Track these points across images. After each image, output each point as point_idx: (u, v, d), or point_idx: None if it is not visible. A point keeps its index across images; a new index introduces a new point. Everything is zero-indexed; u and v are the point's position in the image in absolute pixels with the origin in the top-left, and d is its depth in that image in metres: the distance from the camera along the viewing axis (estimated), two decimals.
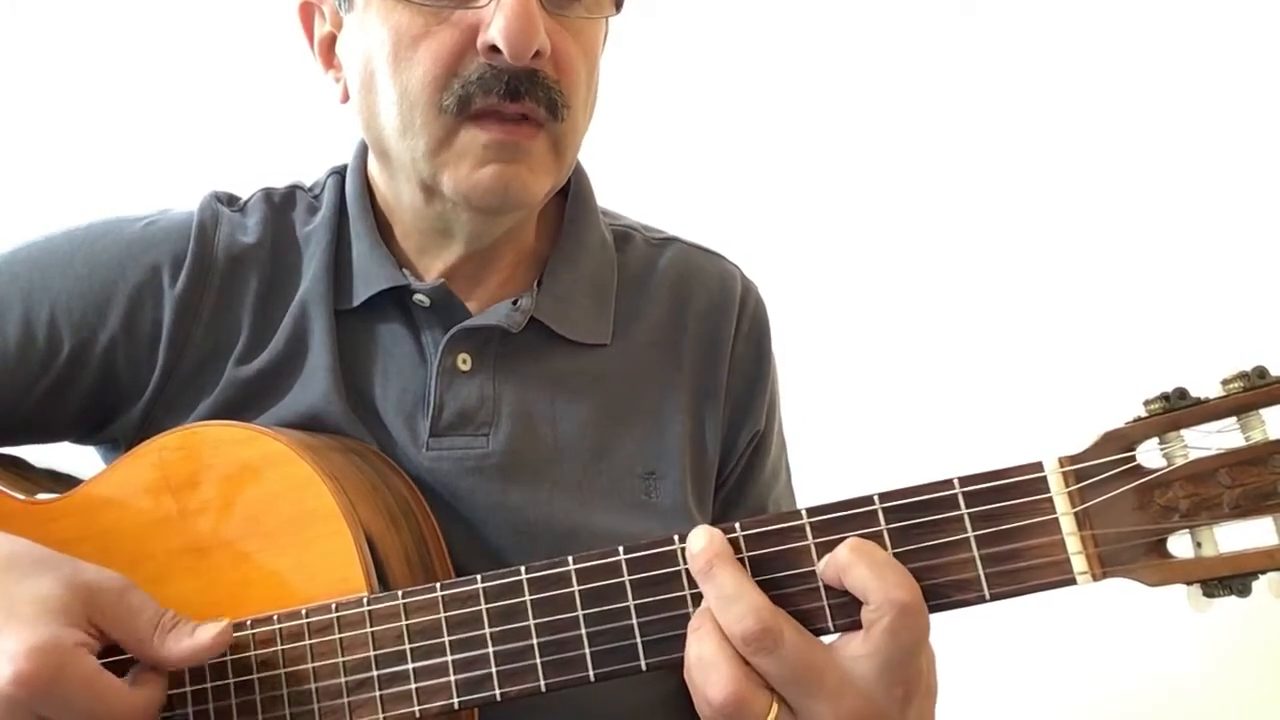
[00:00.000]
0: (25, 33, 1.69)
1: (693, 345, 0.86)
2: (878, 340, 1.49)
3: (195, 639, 0.62)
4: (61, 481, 0.80)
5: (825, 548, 0.56)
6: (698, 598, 0.57)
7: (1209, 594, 0.52)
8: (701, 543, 0.57)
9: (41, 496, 0.75)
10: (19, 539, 0.64)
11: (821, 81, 1.54)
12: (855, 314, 1.50)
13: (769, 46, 1.57)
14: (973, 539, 0.54)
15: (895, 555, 0.55)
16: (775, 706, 0.54)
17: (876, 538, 0.55)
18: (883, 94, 1.52)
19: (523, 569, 0.60)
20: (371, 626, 0.62)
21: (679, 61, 1.57)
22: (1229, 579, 0.51)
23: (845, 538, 0.55)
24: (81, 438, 0.83)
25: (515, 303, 0.81)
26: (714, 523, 0.83)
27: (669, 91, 1.57)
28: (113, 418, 0.80)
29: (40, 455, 0.83)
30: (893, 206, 1.51)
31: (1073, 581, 0.53)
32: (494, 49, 0.68)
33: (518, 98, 0.70)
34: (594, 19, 0.76)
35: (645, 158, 1.51)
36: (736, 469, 0.88)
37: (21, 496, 0.74)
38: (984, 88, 1.48)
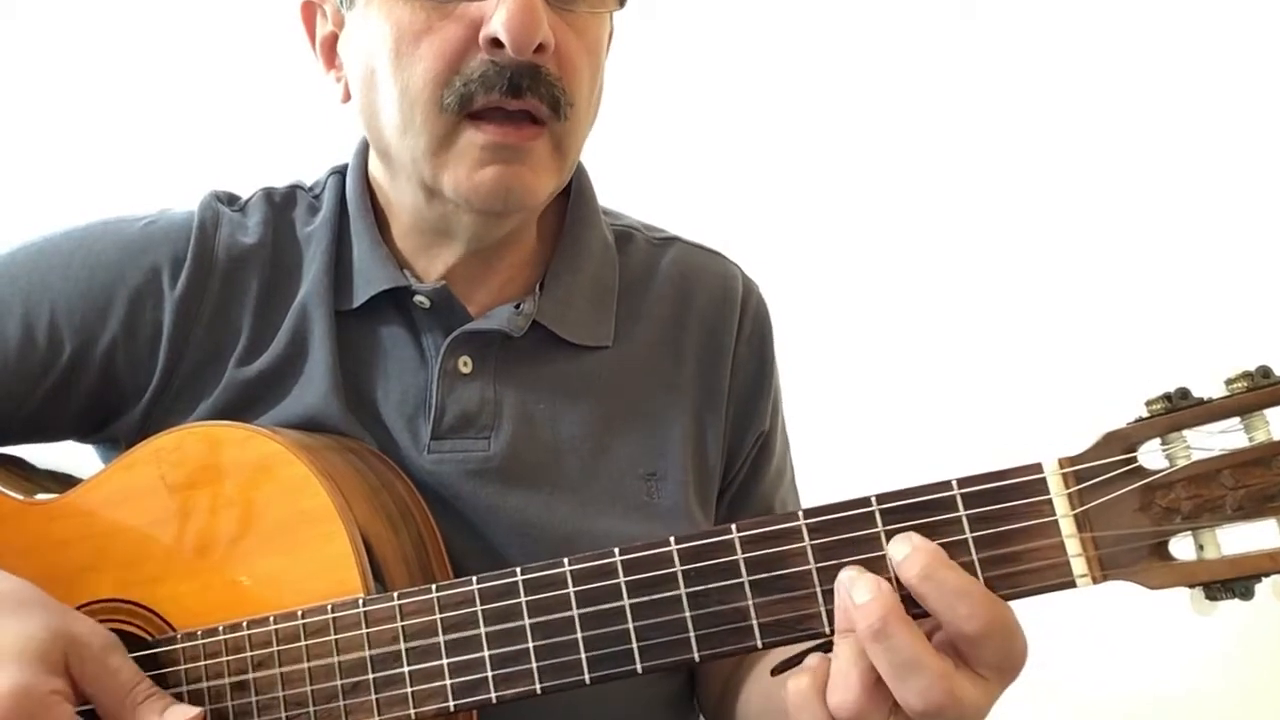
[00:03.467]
0: (25, 33, 1.70)
1: (694, 346, 0.86)
2: (877, 340, 1.48)
3: (165, 718, 0.61)
4: (62, 481, 0.80)
5: (821, 550, 0.55)
6: (693, 599, 0.57)
7: (1211, 597, 0.51)
8: (869, 595, 0.52)
9: (40, 497, 0.75)
10: (16, 579, 0.64)
11: (822, 83, 1.54)
12: (855, 314, 1.50)
13: (769, 47, 1.56)
14: (971, 541, 0.53)
15: None
16: None
17: (873, 540, 0.54)
18: (883, 95, 1.52)
19: (518, 571, 0.60)
20: (367, 628, 0.62)
21: (680, 62, 1.57)
22: (1232, 582, 0.50)
23: (844, 538, 0.55)
24: (82, 438, 0.83)
25: (517, 307, 0.81)
26: (717, 524, 0.84)
27: (670, 91, 1.57)
28: (113, 418, 0.80)
29: (41, 455, 0.83)
30: (893, 207, 1.51)
31: (1072, 584, 0.52)
32: (496, 42, 0.68)
33: (519, 94, 0.69)
34: (598, 13, 0.75)
35: (646, 158, 1.51)
36: (742, 470, 0.88)
37: (20, 497, 0.75)
38: (984, 90, 1.48)
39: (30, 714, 0.57)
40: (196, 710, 0.62)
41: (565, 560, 0.59)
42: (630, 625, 0.58)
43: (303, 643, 0.63)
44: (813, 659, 0.56)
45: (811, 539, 0.55)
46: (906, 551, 0.53)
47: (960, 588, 0.52)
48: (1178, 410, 0.51)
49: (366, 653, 0.62)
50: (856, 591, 0.52)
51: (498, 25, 0.67)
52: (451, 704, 0.60)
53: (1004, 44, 1.47)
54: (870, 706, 0.52)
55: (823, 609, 0.55)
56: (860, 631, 0.52)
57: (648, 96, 1.51)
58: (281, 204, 0.86)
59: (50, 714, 0.58)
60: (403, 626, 0.61)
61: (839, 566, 0.55)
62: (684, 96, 1.58)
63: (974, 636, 0.51)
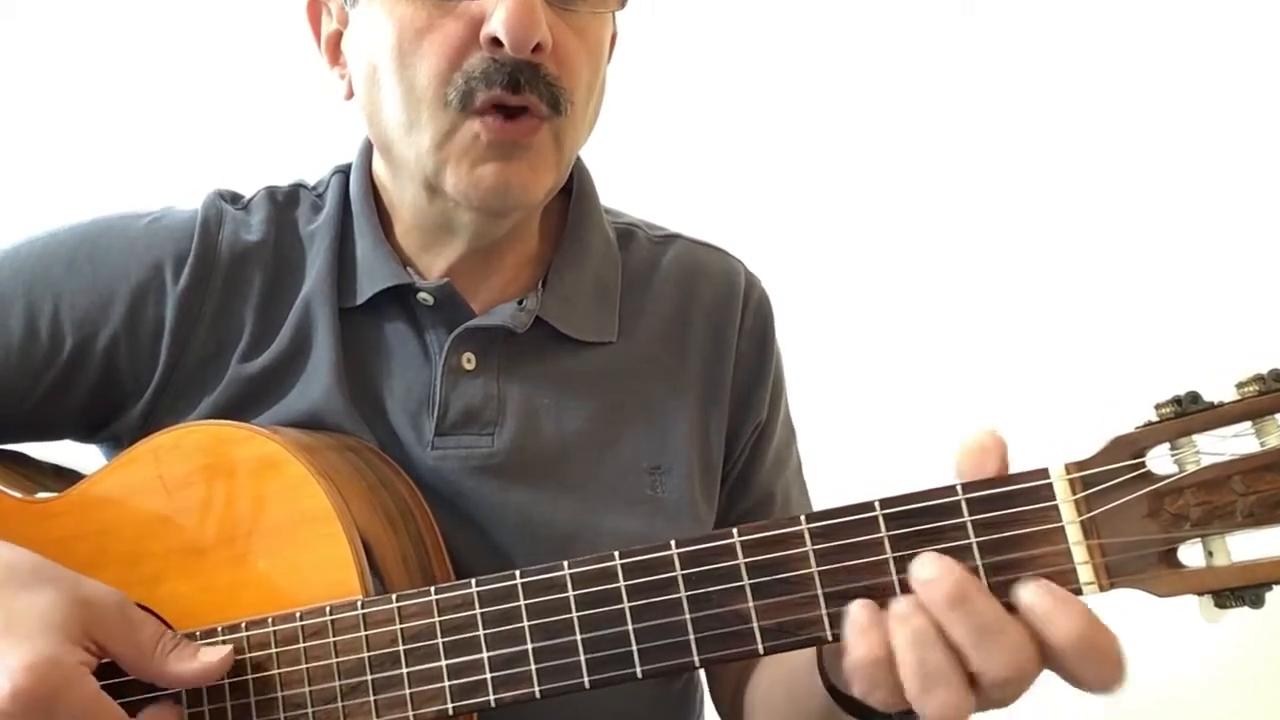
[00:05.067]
0: (25, 33, 1.70)
1: (698, 341, 0.86)
2: (882, 344, 1.48)
3: (199, 660, 0.62)
4: (64, 478, 0.80)
5: (823, 554, 0.54)
6: (693, 603, 0.56)
7: (1221, 605, 0.50)
8: (940, 569, 0.51)
9: (40, 495, 0.75)
10: (18, 548, 0.63)
11: (822, 81, 1.54)
12: (860, 316, 1.49)
13: (770, 46, 1.56)
14: (975, 547, 0.52)
15: (895, 558, 0.53)
16: None
17: (877, 544, 0.54)
18: (883, 94, 1.51)
19: (518, 573, 0.60)
20: (366, 630, 0.62)
21: (680, 61, 1.57)
22: (1242, 589, 0.49)
23: (846, 543, 0.54)
24: (84, 435, 0.83)
25: (520, 303, 0.81)
26: (719, 515, 0.84)
27: (670, 91, 1.57)
28: (115, 415, 0.80)
29: (42, 452, 0.83)
30: (896, 207, 1.50)
31: (1079, 592, 0.51)
32: (496, 41, 0.68)
33: (519, 89, 0.69)
34: (598, 13, 0.75)
35: (647, 158, 1.50)
36: (740, 460, 0.88)
37: (19, 495, 0.74)
38: (984, 88, 1.47)
39: (57, 686, 0.56)
40: (228, 649, 0.62)
41: (565, 563, 0.59)
42: (630, 628, 0.57)
43: (301, 644, 0.63)
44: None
45: (814, 543, 0.55)
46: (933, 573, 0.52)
47: (989, 624, 0.51)
48: (1187, 414, 0.51)
49: (365, 654, 0.61)
50: (928, 569, 0.52)
51: (496, 24, 0.68)
52: (450, 706, 0.60)
53: (1003, 42, 1.47)
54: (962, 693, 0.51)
55: (824, 613, 0.54)
56: (942, 601, 0.51)
57: (649, 96, 1.51)
58: (285, 202, 0.86)
59: (77, 685, 0.57)
60: (401, 628, 0.61)
61: (841, 571, 0.54)
62: (685, 96, 1.57)
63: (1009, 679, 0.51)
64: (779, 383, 0.91)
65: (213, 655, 0.62)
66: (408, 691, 0.60)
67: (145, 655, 0.61)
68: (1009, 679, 0.50)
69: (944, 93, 1.48)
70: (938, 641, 0.51)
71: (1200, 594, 0.50)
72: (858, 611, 0.53)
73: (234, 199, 0.85)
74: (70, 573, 0.62)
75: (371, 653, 0.61)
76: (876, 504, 0.54)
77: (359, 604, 0.62)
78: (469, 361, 0.78)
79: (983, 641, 0.50)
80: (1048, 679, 0.52)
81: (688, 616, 0.56)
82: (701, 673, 0.90)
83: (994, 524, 0.52)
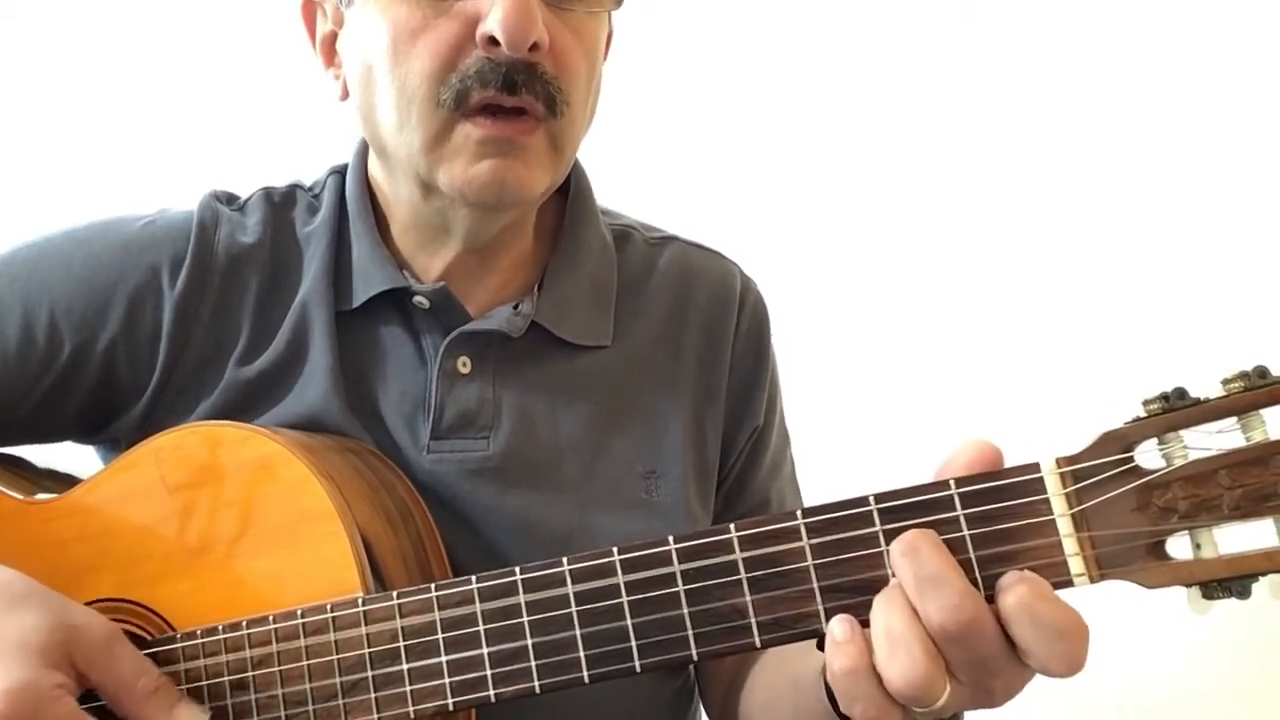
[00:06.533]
0: (25, 33, 1.70)
1: (693, 345, 0.86)
2: (875, 340, 1.48)
3: (174, 715, 0.61)
4: (62, 481, 0.80)
5: (819, 549, 0.55)
6: (691, 598, 0.57)
7: (1208, 596, 0.51)
8: (907, 533, 0.53)
9: (40, 496, 0.75)
10: (9, 570, 0.64)
11: (821, 82, 1.54)
12: (853, 313, 1.50)
13: (769, 46, 1.56)
14: (968, 539, 0.53)
15: (889, 551, 0.54)
16: (949, 687, 0.52)
17: (871, 539, 0.55)
18: (882, 95, 1.52)
19: (517, 570, 0.60)
20: (366, 627, 0.62)
21: (679, 61, 1.57)
22: (1229, 581, 0.50)
23: (842, 538, 0.55)
24: (82, 438, 0.83)
25: (516, 307, 0.81)
26: (715, 519, 0.84)
27: (669, 91, 1.57)
28: (113, 418, 0.80)
29: (41, 455, 0.83)
30: (891, 207, 1.50)
31: (1070, 583, 0.52)
32: (492, 40, 0.68)
33: (515, 90, 0.70)
34: (594, 13, 0.76)
35: (645, 158, 1.51)
36: (737, 464, 0.89)
37: (20, 496, 0.75)
38: (983, 89, 1.47)
39: (34, 710, 0.57)
40: (208, 713, 0.63)
41: (564, 559, 0.59)
42: (629, 623, 0.58)
43: (302, 642, 0.63)
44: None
45: (810, 538, 0.55)
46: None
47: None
48: (1175, 410, 0.51)
49: (366, 651, 0.62)
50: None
51: (493, 23, 0.68)
52: (450, 702, 0.60)
53: (1003, 42, 1.47)
54: (913, 637, 0.51)
55: (821, 607, 0.55)
56: (892, 552, 0.53)
57: (647, 96, 1.51)
58: (281, 203, 0.86)
59: (54, 708, 0.57)
60: (402, 625, 0.61)
61: (837, 564, 0.55)
62: (683, 96, 1.58)
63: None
64: (775, 387, 0.92)
65: (189, 714, 0.62)
66: (408, 688, 0.61)
67: (125, 690, 0.61)
68: (953, 633, 0.50)
69: (943, 93, 1.49)
70: (904, 606, 0.52)
71: (1188, 585, 0.51)
72: (836, 625, 0.54)
73: (229, 200, 0.85)
74: (63, 599, 0.62)
75: (372, 649, 0.62)
76: (871, 498, 0.55)
77: (360, 601, 0.63)
78: (464, 365, 0.79)
79: (923, 587, 0.51)
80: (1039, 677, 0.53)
81: (685, 611, 0.57)
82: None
83: (986, 517, 0.53)
